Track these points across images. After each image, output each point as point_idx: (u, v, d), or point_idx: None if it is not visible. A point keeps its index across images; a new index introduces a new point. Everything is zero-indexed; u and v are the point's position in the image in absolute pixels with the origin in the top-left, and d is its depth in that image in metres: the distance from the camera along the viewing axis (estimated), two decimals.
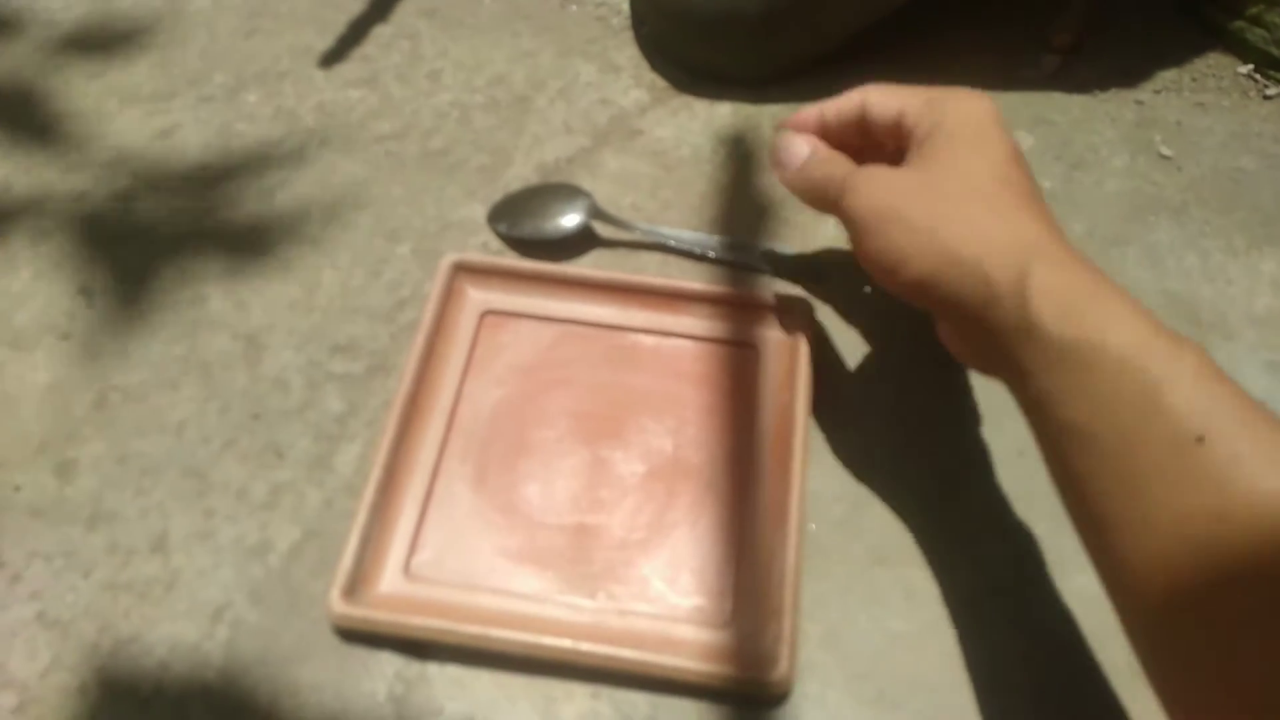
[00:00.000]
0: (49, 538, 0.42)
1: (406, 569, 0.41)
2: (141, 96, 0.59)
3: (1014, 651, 0.39)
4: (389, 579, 0.41)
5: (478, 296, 0.49)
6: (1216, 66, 0.60)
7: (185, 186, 0.54)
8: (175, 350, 0.48)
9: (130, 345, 0.48)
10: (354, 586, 0.39)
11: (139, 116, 0.58)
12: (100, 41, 0.62)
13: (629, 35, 0.63)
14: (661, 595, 0.41)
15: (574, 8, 0.65)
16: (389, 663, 0.39)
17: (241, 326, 0.49)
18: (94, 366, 0.47)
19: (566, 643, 0.38)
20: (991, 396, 0.46)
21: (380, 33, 0.63)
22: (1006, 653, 0.39)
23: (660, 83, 0.60)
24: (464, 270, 0.49)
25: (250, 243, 0.52)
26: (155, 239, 0.52)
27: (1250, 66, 0.60)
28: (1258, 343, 0.48)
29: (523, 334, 0.48)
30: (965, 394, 0.46)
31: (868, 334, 0.48)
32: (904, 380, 0.47)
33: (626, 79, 0.61)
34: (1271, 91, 0.59)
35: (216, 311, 0.49)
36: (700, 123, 0.58)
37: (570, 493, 0.43)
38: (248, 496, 0.43)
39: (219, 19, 0.63)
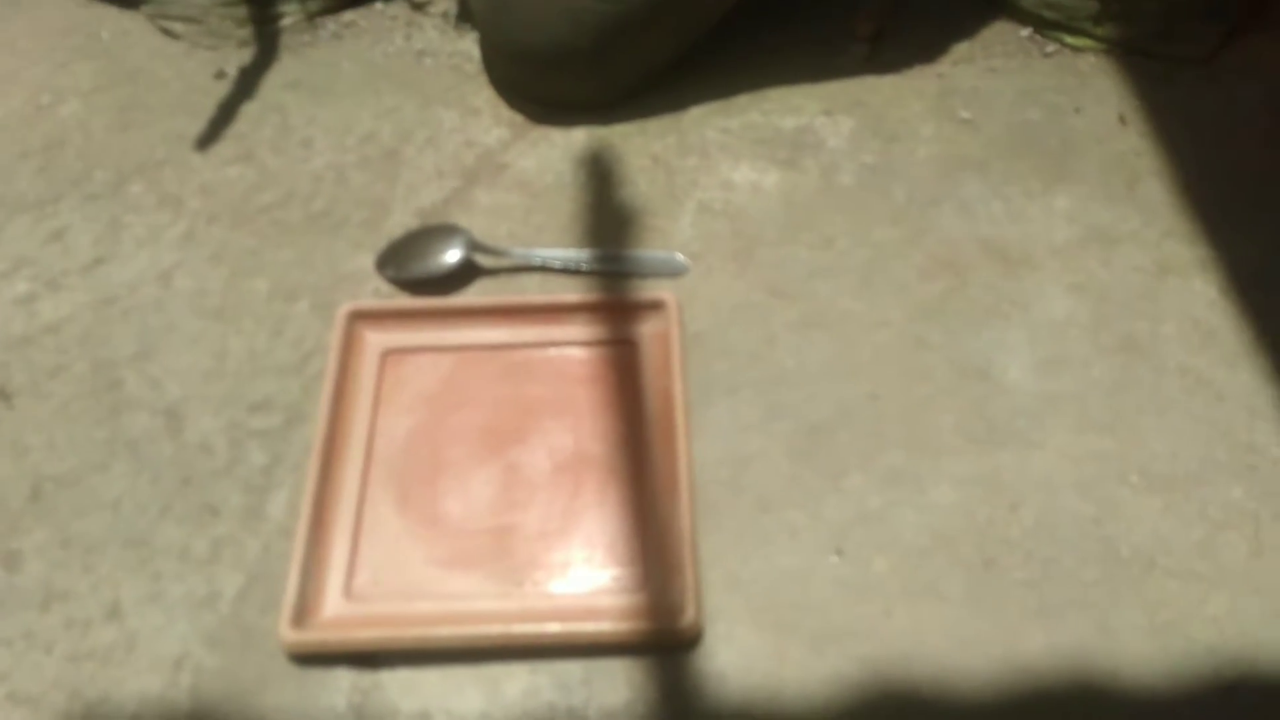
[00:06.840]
0: (6, 624, 0.45)
1: (347, 591, 0.45)
2: (28, 204, 0.61)
3: (883, 567, 0.45)
4: (332, 603, 0.45)
5: (376, 338, 0.53)
6: (1002, 34, 0.68)
7: (83, 282, 0.57)
8: (99, 434, 0.51)
9: (55, 437, 0.51)
10: (301, 615, 0.44)
11: (28, 223, 0.60)
12: None
13: (483, 79, 0.68)
14: (579, 573, 0.46)
15: (429, 60, 0.70)
16: (344, 677, 0.43)
17: (159, 402, 0.52)
18: (24, 462, 0.50)
19: (500, 628, 0.43)
20: (845, 349, 0.52)
21: (249, 110, 0.67)
22: (877, 569, 0.45)
23: (518, 119, 0.66)
24: (360, 317, 0.53)
25: (156, 324, 0.55)
26: (61, 334, 0.55)
27: (1030, 30, 0.68)
28: (1060, 269, 0.55)
29: (423, 366, 0.53)
30: (818, 350, 0.52)
31: (729, 318, 0.54)
32: (765, 350, 0.53)
33: (487, 119, 0.66)
34: (1050, 49, 0.67)
35: (133, 393, 0.53)
36: (559, 150, 0.64)
37: (487, 499, 0.48)
38: (190, 555, 0.47)
39: (91, 119, 0.66)
